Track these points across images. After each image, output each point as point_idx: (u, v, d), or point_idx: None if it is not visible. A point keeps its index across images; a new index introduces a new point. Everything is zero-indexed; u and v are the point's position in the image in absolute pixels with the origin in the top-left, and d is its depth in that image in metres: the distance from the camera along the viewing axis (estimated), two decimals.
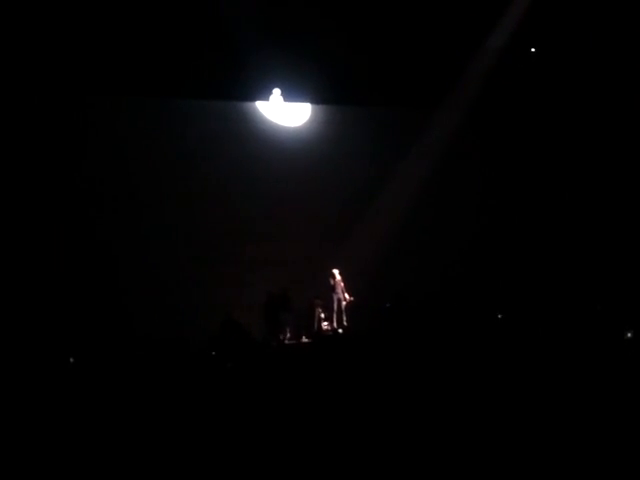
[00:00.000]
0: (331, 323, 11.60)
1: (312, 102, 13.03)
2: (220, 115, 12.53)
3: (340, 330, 11.44)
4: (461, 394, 5.81)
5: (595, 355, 6.83)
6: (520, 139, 14.05)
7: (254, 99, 12.70)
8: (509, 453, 4.38)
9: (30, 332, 9.94)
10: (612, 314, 9.23)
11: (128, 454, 5.01)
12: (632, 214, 12.55)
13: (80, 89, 11.33)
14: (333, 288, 11.72)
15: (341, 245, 12.64)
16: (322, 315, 11.64)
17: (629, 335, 7.64)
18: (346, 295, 11.73)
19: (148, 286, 11.62)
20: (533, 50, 13.12)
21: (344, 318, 11.63)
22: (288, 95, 12.49)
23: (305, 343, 10.87)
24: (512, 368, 6.55)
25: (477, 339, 8.61)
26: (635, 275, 11.60)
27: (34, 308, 10.53)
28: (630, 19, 11.61)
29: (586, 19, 11.93)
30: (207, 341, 10.14)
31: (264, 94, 12.45)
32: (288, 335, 11.19)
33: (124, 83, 11.36)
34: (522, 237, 13.79)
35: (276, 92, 12.34)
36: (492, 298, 12.26)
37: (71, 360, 8.46)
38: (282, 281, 11.75)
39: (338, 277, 11.78)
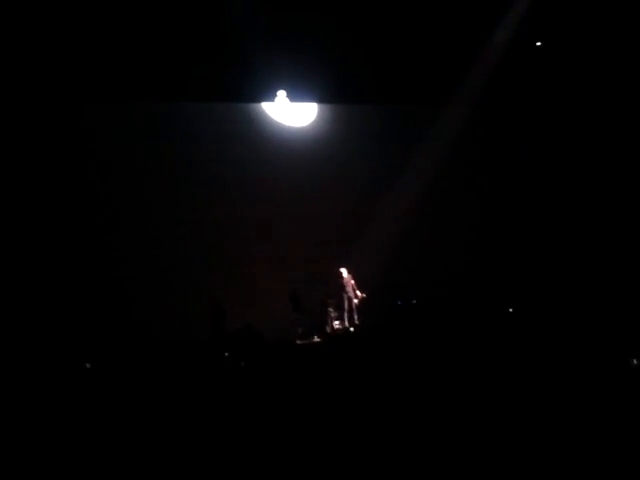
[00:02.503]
0: (342, 322, 11.62)
1: (318, 102, 13.05)
2: (226, 117, 12.56)
3: (352, 329, 11.45)
4: (472, 391, 5.82)
5: (600, 351, 6.83)
6: (527, 134, 14.04)
7: (260, 100, 12.73)
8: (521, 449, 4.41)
9: (33, 332, 10.02)
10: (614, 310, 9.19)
11: (131, 452, 5.06)
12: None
13: (86, 93, 11.37)
14: (343, 287, 11.74)
15: (350, 244, 12.68)
16: (333, 314, 11.66)
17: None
18: (357, 292, 11.75)
19: (155, 287, 11.67)
20: (539, 44, 13.08)
21: (355, 316, 11.65)
22: (294, 95, 12.51)
23: (317, 342, 10.88)
24: (522, 364, 6.56)
25: (487, 335, 8.59)
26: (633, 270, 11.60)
27: (39, 308, 10.59)
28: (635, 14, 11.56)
29: (591, 13, 11.90)
30: (216, 341, 10.22)
31: (270, 95, 12.45)
32: (300, 335, 11.19)
33: (131, 87, 11.37)
34: (530, 232, 13.78)
35: (281, 93, 12.36)
36: (501, 293, 12.24)
37: (87, 365, 8.51)
38: (292, 281, 11.83)
39: (346, 275, 11.81)
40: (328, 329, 11.49)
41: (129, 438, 5.38)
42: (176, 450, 5.16)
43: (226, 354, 9.34)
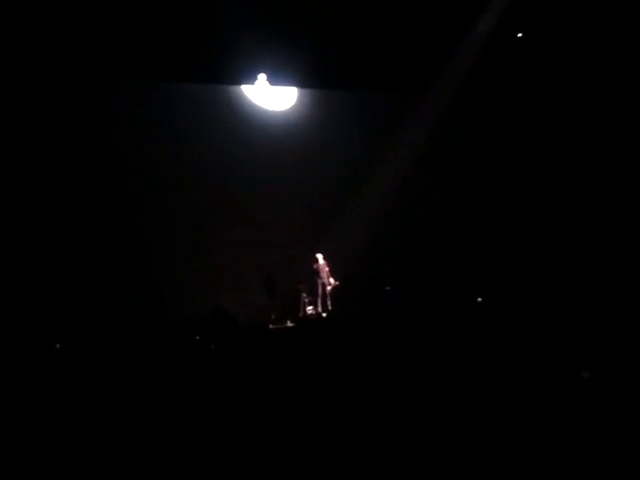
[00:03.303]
0: (315, 307, 11.73)
1: (298, 86, 12.97)
2: (206, 99, 12.43)
3: (324, 314, 11.57)
4: (452, 381, 5.93)
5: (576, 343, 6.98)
6: (507, 123, 14.17)
7: (240, 83, 12.61)
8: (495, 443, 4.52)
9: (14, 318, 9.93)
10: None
11: (113, 442, 5.10)
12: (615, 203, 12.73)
13: (65, 74, 11.19)
14: (317, 272, 11.83)
15: (327, 229, 12.73)
16: (306, 300, 11.75)
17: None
18: (331, 280, 11.85)
19: (134, 270, 11.56)
20: (520, 35, 13.14)
21: (328, 302, 11.76)
22: (274, 79, 12.43)
23: (289, 327, 10.98)
24: (500, 354, 6.69)
25: (464, 323, 8.74)
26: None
27: (21, 294, 10.49)
28: (617, 9, 11.65)
29: (572, 7, 11.97)
30: (192, 325, 10.24)
31: (250, 78, 12.36)
32: (273, 319, 11.27)
33: (109, 68, 11.20)
34: (507, 221, 13.98)
35: (262, 76, 12.27)
36: (478, 281, 12.44)
37: (57, 346, 8.48)
38: (268, 265, 11.86)
39: (322, 261, 11.89)
40: (301, 314, 11.58)
41: (108, 423, 5.45)
42: (151, 433, 5.24)
43: (197, 337, 9.40)
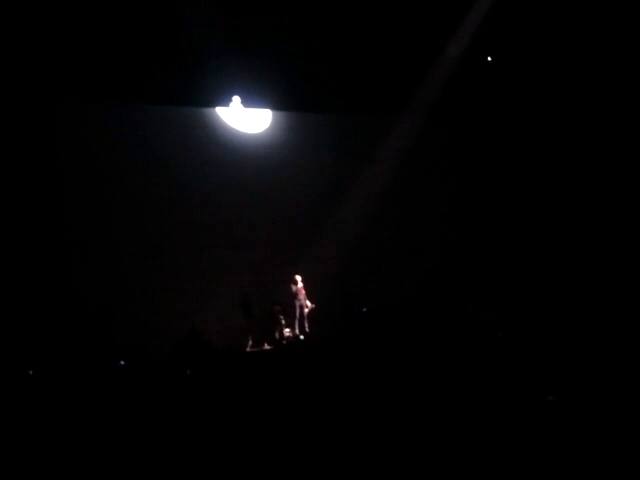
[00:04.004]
0: (293, 329, 11.57)
1: (273, 108, 13.02)
2: (181, 121, 12.40)
3: (302, 337, 11.41)
4: (434, 395, 5.86)
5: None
6: (479, 142, 14.44)
7: (214, 105, 12.61)
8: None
9: None
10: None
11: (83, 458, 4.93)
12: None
13: (39, 96, 11.07)
14: (295, 294, 11.70)
15: (304, 251, 12.69)
16: (283, 321, 11.59)
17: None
18: (307, 302, 11.72)
19: (111, 292, 11.36)
20: (490, 59, 13.47)
21: (306, 324, 11.61)
22: (248, 101, 12.47)
23: (267, 350, 10.79)
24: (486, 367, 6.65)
25: (441, 341, 8.69)
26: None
27: None
28: (583, 28, 12.03)
29: (540, 30, 12.32)
30: (169, 348, 10.02)
31: (224, 100, 12.39)
32: (250, 342, 11.08)
33: (83, 90, 11.17)
34: (484, 238, 14.14)
35: (236, 99, 12.30)
36: (454, 300, 12.44)
37: (30, 372, 8.24)
38: (245, 287, 11.72)
39: (300, 284, 11.78)
40: (278, 336, 11.40)
41: (79, 440, 5.27)
42: (122, 452, 5.06)
43: (174, 361, 9.18)
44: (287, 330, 11.56)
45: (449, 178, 14.34)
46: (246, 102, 12.43)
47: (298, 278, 11.82)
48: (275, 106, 12.89)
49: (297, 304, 11.68)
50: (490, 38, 12.66)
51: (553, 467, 4.09)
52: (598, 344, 6.90)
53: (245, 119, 12.86)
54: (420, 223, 13.88)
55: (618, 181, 12.49)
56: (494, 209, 14.36)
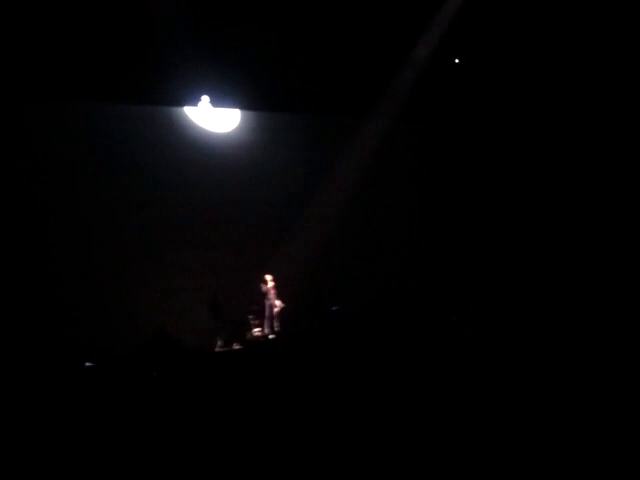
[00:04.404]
0: (263, 329, 11.57)
1: (241, 108, 12.99)
2: (148, 120, 12.26)
3: (271, 336, 11.42)
4: (403, 392, 5.93)
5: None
6: (446, 144, 14.66)
7: (183, 104, 12.52)
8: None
9: None
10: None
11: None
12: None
13: (4, 95, 10.86)
14: (265, 294, 11.71)
15: (273, 251, 12.69)
16: (253, 321, 11.59)
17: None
18: (277, 302, 11.74)
19: (79, 292, 11.26)
20: (457, 61, 13.67)
21: (275, 324, 11.62)
22: (217, 101, 12.41)
23: (236, 350, 10.77)
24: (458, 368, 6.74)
25: (414, 339, 8.79)
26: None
27: None
28: (553, 31, 12.29)
29: (508, 31, 12.56)
30: (136, 349, 9.94)
31: (192, 99, 12.30)
32: (219, 343, 11.04)
33: (51, 87, 11.01)
34: (452, 237, 14.36)
35: (205, 98, 12.24)
36: (425, 298, 12.60)
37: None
38: (214, 287, 11.67)
39: (270, 283, 11.78)
40: (248, 336, 11.39)
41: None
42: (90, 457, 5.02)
43: (138, 361, 9.10)
44: (257, 330, 11.56)
45: (419, 177, 14.50)
46: (215, 102, 12.37)
47: (268, 278, 11.82)
48: (244, 106, 12.85)
49: (267, 303, 11.69)
50: (458, 40, 12.85)
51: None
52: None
53: (213, 119, 12.79)
54: (391, 222, 14.01)
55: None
56: (467, 208, 14.58)
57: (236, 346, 10.97)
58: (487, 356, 7.23)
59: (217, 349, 10.82)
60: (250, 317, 11.57)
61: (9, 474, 4.83)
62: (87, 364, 9.26)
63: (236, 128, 13.11)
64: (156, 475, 4.89)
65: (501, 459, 4.41)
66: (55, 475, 4.90)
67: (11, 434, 5.64)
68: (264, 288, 11.72)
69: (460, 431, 4.89)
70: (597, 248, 12.53)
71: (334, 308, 12.04)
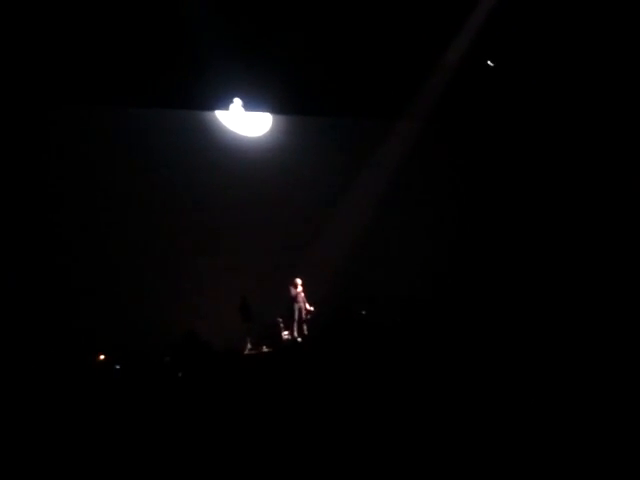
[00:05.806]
0: (291, 332, 11.56)
1: (273, 112, 13.04)
2: (180, 125, 12.44)
3: (300, 339, 11.40)
4: (432, 402, 5.85)
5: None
6: (478, 148, 14.45)
7: (214, 108, 12.64)
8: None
9: None
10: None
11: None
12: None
13: (36, 101, 11.12)
14: (294, 298, 11.70)
15: (304, 254, 12.67)
16: (282, 324, 11.59)
17: None
18: (307, 305, 11.72)
19: (108, 296, 11.39)
20: (490, 63, 13.47)
21: (304, 327, 11.60)
22: (249, 105, 12.48)
23: (265, 353, 10.78)
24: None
25: (444, 345, 8.67)
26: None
27: None
28: (583, 33, 12.04)
29: (539, 35, 12.33)
30: (165, 351, 10.02)
31: (224, 103, 12.40)
32: (249, 346, 11.07)
33: (84, 93, 11.22)
34: (486, 240, 14.12)
35: (237, 102, 12.32)
36: (457, 302, 12.42)
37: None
38: (244, 290, 11.67)
39: (300, 287, 11.77)
40: (277, 339, 11.39)
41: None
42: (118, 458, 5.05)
43: (167, 359, 9.19)
44: (285, 333, 11.56)
45: (451, 182, 14.33)
46: (247, 105, 12.44)
47: (298, 281, 11.81)
48: (276, 110, 12.90)
49: (296, 307, 11.67)
50: (490, 43, 12.67)
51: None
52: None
53: (245, 122, 12.86)
54: (421, 226, 13.88)
55: (617, 181, 12.49)
56: (495, 213, 14.35)
57: (265, 349, 10.98)
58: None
59: (246, 352, 10.84)
60: (279, 320, 11.56)
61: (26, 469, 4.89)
62: (117, 367, 9.37)
63: (267, 132, 13.17)
64: (179, 475, 4.90)
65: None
66: (73, 472, 4.95)
67: (41, 433, 5.72)
68: (294, 292, 11.71)
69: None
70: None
71: (363, 312, 11.98)
